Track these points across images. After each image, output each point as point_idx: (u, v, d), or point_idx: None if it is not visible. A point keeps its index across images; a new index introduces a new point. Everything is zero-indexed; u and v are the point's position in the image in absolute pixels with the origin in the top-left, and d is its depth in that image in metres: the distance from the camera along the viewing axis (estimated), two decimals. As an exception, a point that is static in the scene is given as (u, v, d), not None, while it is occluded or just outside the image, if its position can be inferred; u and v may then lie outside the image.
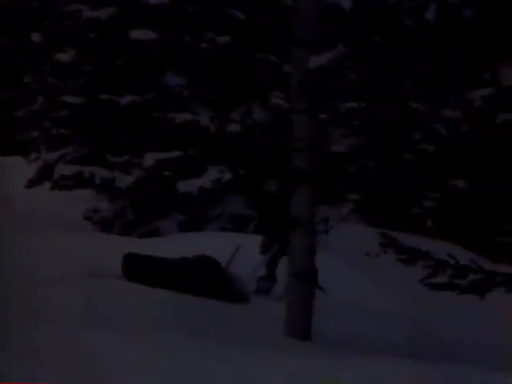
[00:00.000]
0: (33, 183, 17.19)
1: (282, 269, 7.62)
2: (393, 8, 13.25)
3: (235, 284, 8.32)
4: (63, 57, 16.63)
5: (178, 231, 14.56)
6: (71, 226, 14.56)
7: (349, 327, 8.11)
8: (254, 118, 15.33)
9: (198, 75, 15.26)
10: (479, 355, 7.13)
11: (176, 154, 14.91)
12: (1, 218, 14.66)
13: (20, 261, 8.40)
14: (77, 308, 5.84)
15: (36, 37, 19.20)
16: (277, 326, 6.46)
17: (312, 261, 6.96)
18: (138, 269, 8.37)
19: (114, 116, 15.28)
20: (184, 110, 15.16)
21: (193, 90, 15.33)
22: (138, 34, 14.87)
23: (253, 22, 15.25)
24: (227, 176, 14.97)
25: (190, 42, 15.03)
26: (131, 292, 7.18)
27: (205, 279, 8.09)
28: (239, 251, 8.56)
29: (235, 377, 4.11)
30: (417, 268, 10.47)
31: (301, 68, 6.48)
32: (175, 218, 15.26)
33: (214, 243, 11.68)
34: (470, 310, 8.57)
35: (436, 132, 16.18)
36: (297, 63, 6.62)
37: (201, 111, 15.34)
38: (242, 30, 15.24)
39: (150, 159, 14.90)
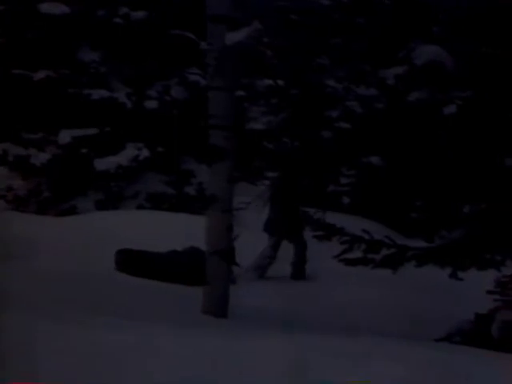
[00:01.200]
0: None
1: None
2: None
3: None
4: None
5: (95, 209, 14.35)
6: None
7: (270, 304, 8.17)
8: (172, 94, 15.20)
9: (114, 51, 15.00)
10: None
11: (92, 131, 14.66)
12: None
13: None
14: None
15: None
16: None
17: (229, 238, 6.94)
18: (132, 263, 8.66)
19: (27, 91, 14.87)
20: (100, 87, 14.89)
21: (109, 66, 15.06)
22: (48, 7, 14.50)
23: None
24: (145, 153, 14.82)
25: (104, 17, 14.75)
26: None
27: (194, 269, 8.29)
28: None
29: (140, 347, 4.25)
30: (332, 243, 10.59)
31: (217, 44, 6.42)
32: (92, 196, 15.04)
33: (131, 221, 11.59)
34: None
35: (351, 110, 16.39)
36: (213, 40, 6.56)
37: (118, 88, 15.10)
38: (156, 5, 15.04)
39: (65, 136, 14.61)
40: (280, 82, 15.99)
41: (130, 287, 7.71)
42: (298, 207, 10.67)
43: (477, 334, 6.15)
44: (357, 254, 7.39)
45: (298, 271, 10.26)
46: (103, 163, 14.69)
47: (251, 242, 10.11)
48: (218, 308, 6.61)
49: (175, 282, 8.43)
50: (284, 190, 10.70)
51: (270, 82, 15.77)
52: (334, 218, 11.40)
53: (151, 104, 15.07)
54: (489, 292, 6.64)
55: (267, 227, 10.46)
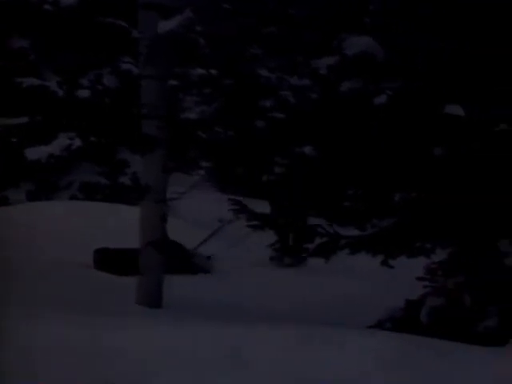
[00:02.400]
0: None
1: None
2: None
3: (197, 260, 9.59)
4: None
5: (26, 200, 14.08)
6: None
7: (203, 293, 8.16)
8: (104, 83, 14.99)
9: (45, 39, 14.71)
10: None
11: (23, 120, 14.36)
12: None
13: None
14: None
15: None
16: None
17: (163, 229, 6.91)
18: (110, 261, 8.69)
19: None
20: (31, 75, 14.59)
21: (40, 54, 14.77)
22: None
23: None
24: (77, 143, 14.60)
25: (33, 3, 14.44)
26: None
27: (172, 259, 8.50)
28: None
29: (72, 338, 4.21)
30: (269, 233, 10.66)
31: (149, 33, 6.36)
32: (24, 186, 14.75)
33: (64, 212, 11.41)
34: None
35: (285, 100, 16.45)
36: (144, 28, 6.50)
37: (49, 76, 14.83)
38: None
39: (-5, 125, 14.28)
40: (213, 72, 15.94)
41: (66, 278, 7.60)
42: None
43: (407, 320, 6.26)
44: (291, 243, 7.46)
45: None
46: (35, 153, 14.42)
47: (185, 233, 10.08)
48: (152, 298, 6.58)
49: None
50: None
51: (203, 71, 15.70)
52: (268, 208, 11.47)
53: (83, 93, 14.84)
54: (419, 279, 6.76)
55: None
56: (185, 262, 9.30)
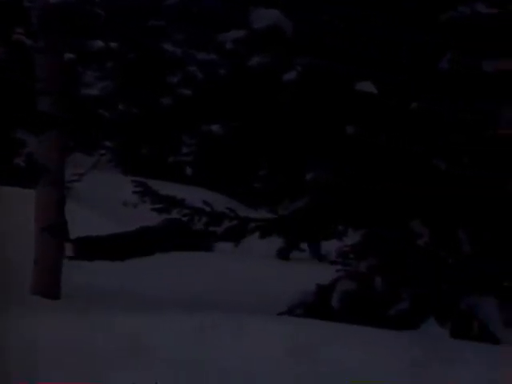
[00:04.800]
0: None
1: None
2: None
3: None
4: None
5: None
6: None
7: (104, 281, 8.11)
8: (-5, 56, 14.58)
9: None
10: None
11: None
12: None
13: None
14: None
15: None
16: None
17: (61, 212, 6.79)
18: (93, 250, 8.89)
19: None
20: None
21: None
22: None
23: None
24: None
25: None
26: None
27: (173, 237, 8.48)
28: None
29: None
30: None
31: (40, 2, 6.22)
32: None
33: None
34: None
35: (192, 75, 16.38)
36: (36, -3, 6.37)
37: None
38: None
39: None
40: (113, 45, 15.71)
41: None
42: None
43: (318, 305, 6.36)
44: (198, 226, 7.46)
45: None
46: None
47: (85, 216, 9.96)
48: (49, 288, 6.47)
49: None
50: None
51: (102, 44, 15.45)
52: (175, 190, 11.43)
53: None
54: (331, 262, 6.88)
55: None
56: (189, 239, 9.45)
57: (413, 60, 6.41)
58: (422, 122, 6.32)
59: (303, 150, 7.00)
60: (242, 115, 8.04)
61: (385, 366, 4.41)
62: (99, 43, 15.65)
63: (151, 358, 4.09)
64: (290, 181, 7.41)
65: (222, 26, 7.61)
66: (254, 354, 4.19)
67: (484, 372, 4.46)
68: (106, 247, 9.20)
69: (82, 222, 9.49)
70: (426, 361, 4.44)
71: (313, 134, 6.87)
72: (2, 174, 14.41)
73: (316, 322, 5.13)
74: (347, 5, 6.32)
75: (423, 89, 6.34)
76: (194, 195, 10.01)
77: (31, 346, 4.19)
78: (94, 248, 8.99)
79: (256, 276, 8.79)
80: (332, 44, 6.43)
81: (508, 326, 6.04)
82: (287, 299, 6.63)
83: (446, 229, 6.27)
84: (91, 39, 15.06)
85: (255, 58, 6.73)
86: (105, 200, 13.44)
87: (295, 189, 7.23)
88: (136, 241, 9.65)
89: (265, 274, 8.90)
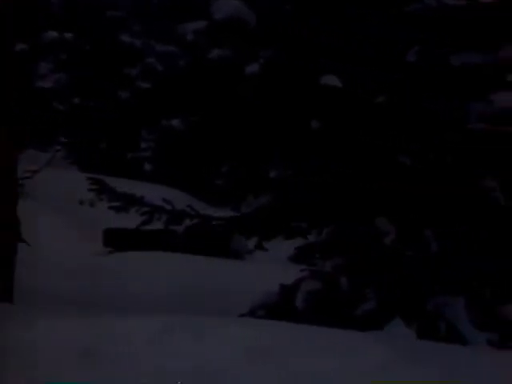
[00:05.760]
0: None
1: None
2: None
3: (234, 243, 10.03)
4: None
5: None
6: None
7: (56, 283, 8.06)
8: None
9: None
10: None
11: None
12: None
13: None
14: None
15: None
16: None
17: (14, 211, 6.74)
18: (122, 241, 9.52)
19: None
20: None
21: None
22: None
23: None
24: None
25: None
26: None
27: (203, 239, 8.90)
28: None
29: None
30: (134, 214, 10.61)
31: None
32: None
33: None
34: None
35: (152, 68, 16.33)
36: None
37: None
38: None
39: None
40: (68, 36, 15.61)
41: None
42: None
43: (282, 306, 6.38)
44: (158, 225, 7.45)
45: None
46: None
47: (39, 215, 9.91)
48: (1, 291, 6.42)
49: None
50: None
51: (56, 34, 15.34)
52: (133, 187, 11.39)
53: None
54: (295, 261, 6.90)
55: None
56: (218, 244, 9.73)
57: (379, 52, 6.46)
58: (388, 116, 6.37)
59: (266, 145, 7.02)
60: (203, 109, 8.04)
61: (350, 367, 4.44)
62: (53, 34, 15.54)
63: (105, 362, 4.09)
64: (253, 177, 7.43)
65: (182, 16, 7.61)
66: (214, 358, 4.20)
67: (452, 373, 4.52)
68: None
69: (36, 221, 9.44)
70: (391, 362, 4.48)
71: (276, 128, 6.90)
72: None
73: (279, 324, 5.15)
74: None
75: (390, 82, 6.39)
76: (154, 193, 9.99)
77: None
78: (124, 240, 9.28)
79: (218, 277, 8.81)
80: (296, 36, 6.46)
81: (476, 327, 6.12)
82: (249, 300, 6.65)
83: (413, 227, 6.32)
84: (45, 29, 14.95)
85: (216, 50, 6.73)
86: (60, 198, 13.35)
87: (258, 185, 7.25)
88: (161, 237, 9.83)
89: (227, 275, 8.92)
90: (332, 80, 6.17)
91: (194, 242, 9.08)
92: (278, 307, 6.38)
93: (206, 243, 9.41)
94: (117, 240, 9.95)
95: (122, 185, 12.34)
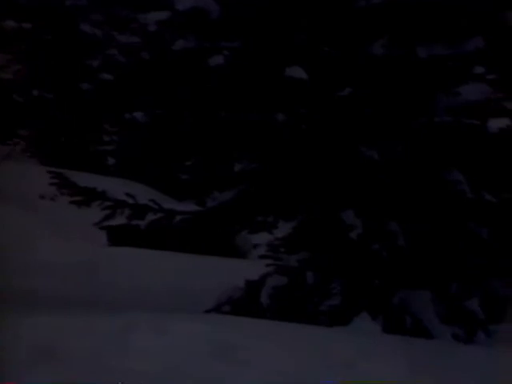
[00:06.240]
0: None
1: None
2: None
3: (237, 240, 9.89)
4: None
5: None
6: None
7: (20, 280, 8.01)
8: None
9: None
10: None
11: None
12: None
13: None
14: None
15: None
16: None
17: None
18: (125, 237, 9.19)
19: None
20: None
21: None
22: None
23: None
24: None
25: None
26: None
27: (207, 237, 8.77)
28: None
29: None
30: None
31: None
32: None
33: None
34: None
35: (114, 59, 16.21)
36: None
37: None
38: None
39: None
40: (27, 26, 15.46)
41: None
42: None
43: (247, 301, 6.40)
44: (120, 220, 7.42)
45: None
46: None
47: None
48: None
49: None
50: None
51: (14, 24, 15.19)
52: (95, 181, 11.32)
53: None
54: (261, 257, 6.92)
55: None
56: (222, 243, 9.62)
57: (344, 45, 6.49)
58: (354, 109, 6.40)
59: (231, 138, 7.02)
60: (167, 102, 8.02)
61: (316, 363, 4.48)
62: (11, 23, 15.37)
63: (65, 361, 4.08)
64: (218, 171, 7.43)
65: (144, 6, 7.57)
66: (177, 354, 4.21)
67: (417, 368, 4.58)
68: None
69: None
70: (357, 357, 4.53)
71: (241, 121, 6.90)
72: None
73: (244, 320, 5.18)
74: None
75: (356, 74, 6.43)
76: (117, 187, 9.92)
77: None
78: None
79: (182, 272, 8.80)
80: (260, 27, 6.47)
81: (442, 321, 6.19)
82: (214, 296, 6.66)
83: (379, 221, 6.37)
84: (3, 19, 14.79)
85: (180, 41, 6.72)
86: (20, 193, 13.22)
87: (223, 180, 7.25)
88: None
89: (192, 270, 8.92)
90: (297, 72, 6.18)
91: (160, 237, 9.05)
92: (244, 303, 6.39)
93: (207, 240, 9.39)
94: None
95: (83, 179, 12.28)
